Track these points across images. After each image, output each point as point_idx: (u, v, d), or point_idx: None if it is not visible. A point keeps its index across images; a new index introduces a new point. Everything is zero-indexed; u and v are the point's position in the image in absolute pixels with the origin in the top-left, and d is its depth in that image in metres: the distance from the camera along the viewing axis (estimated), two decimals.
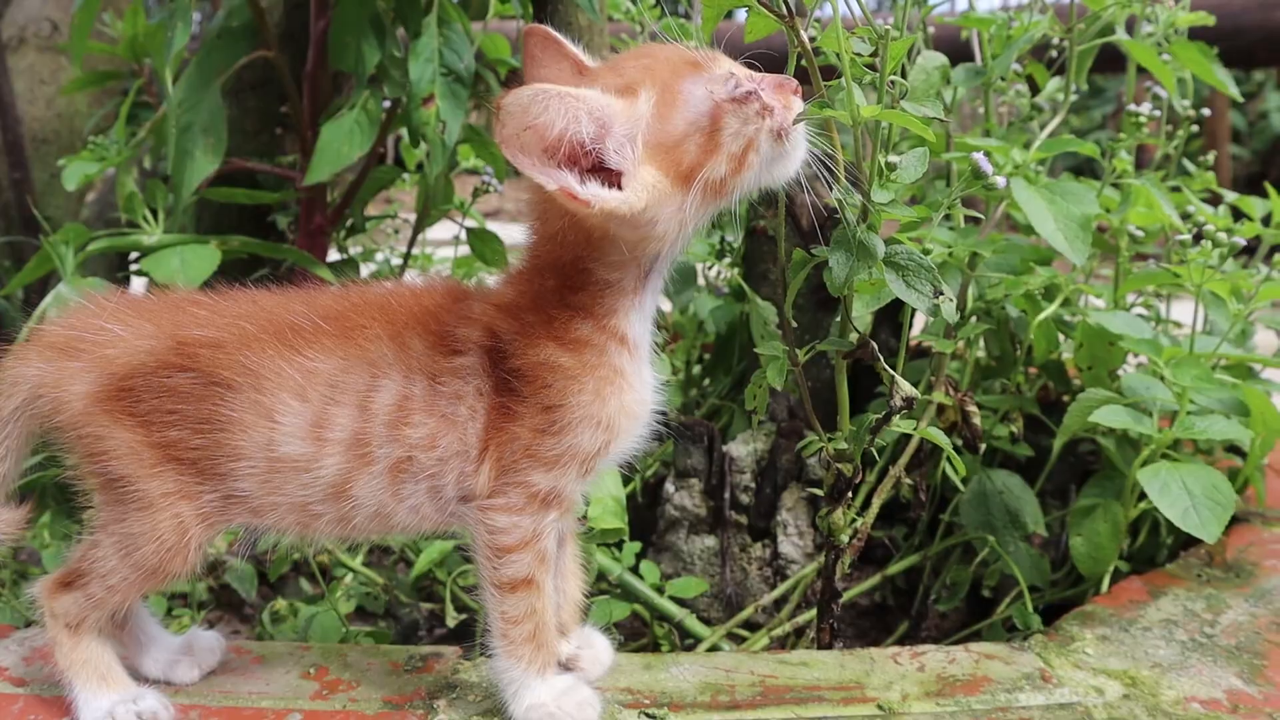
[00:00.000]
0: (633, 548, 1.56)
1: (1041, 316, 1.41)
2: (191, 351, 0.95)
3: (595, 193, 0.87)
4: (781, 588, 1.53)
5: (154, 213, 1.67)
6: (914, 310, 1.18)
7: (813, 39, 1.02)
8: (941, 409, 1.38)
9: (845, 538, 1.15)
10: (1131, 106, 1.47)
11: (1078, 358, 1.49)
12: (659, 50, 0.94)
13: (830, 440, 1.12)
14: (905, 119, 0.90)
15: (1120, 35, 1.52)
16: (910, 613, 1.57)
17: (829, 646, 1.24)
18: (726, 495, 1.61)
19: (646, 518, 1.71)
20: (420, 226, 2.03)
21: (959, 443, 1.46)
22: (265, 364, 0.94)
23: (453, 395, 0.95)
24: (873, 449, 1.12)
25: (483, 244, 2.11)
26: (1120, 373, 1.48)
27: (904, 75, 1.37)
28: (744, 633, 1.50)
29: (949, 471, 1.43)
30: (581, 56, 0.97)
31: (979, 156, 0.99)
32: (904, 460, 1.40)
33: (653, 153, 0.89)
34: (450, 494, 0.96)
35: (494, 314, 0.96)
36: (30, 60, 2.32)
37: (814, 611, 1.53)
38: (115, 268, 1.90)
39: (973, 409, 1.33)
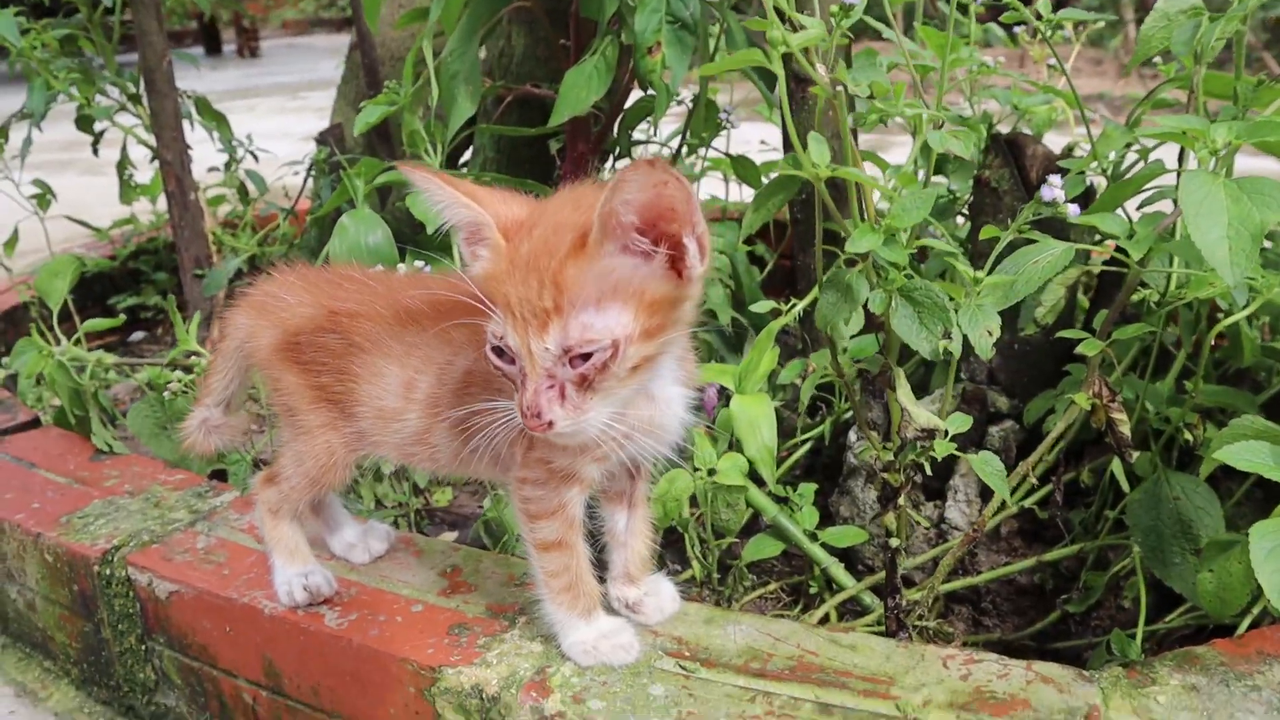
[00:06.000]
0: (809, 488, 1.65)
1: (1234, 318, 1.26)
2: (337, 319, 1.20)
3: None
4: (931, 552, 1.55)
5: (434, 145, 1.95)
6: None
7: None
8: (1094, 409, 1.30)
9: (896, 542, 1.16)
10: None
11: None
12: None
13: (884, 449, 1.13)
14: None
15: None
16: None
17: (894, 635, 1.27)
18: None
19: (837, 462, 1.78)
20: (677, 157, 2.16)
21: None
22: (383, 334, 1.17)
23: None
24: (912, 466, 1.12)
25: (742, 168, 2.22)
26: None
27: None
28: None
29: (1115, 471, 1.35)
30: None
31: (1055, 179, 0.93)
32: (1052, 455, 1.35)
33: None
34: (504, 455, 1.13)
35: None
36: None
37: (965, 579, 1.54)
38: (384, 198, 2.27)
39: (1119, 415, 1.25)
